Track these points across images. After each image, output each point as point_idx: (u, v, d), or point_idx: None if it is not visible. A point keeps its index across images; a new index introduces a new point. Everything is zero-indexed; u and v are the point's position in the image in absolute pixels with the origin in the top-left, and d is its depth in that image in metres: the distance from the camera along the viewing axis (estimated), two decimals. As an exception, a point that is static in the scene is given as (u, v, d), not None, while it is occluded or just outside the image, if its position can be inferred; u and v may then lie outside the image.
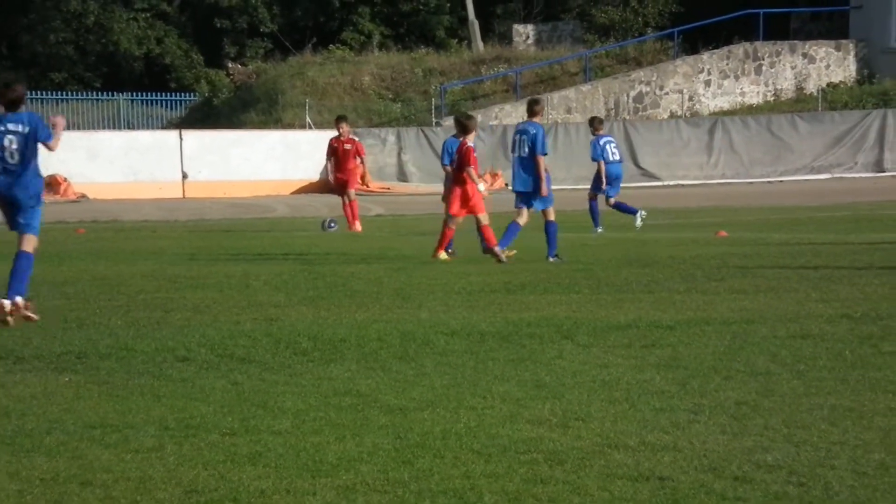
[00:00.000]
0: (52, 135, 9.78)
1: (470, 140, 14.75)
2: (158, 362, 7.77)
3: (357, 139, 22.51)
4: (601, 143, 20.11)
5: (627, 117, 41.34)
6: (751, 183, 38.18)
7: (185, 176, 36.08)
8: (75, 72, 52.24)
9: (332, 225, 21.38)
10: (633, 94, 41.97)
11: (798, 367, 7.28)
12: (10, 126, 9.63)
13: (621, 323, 9.07)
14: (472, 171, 14.58)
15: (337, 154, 21.59)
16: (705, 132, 39.60)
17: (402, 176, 38.76)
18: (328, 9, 51.90)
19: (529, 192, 14.54)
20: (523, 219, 14.58)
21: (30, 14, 52.04)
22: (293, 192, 36.31)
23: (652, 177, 38.88)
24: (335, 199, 21.62)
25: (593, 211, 20.08)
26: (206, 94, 46.05)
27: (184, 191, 35.86)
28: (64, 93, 46.50)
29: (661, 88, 42.15)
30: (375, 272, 13.42)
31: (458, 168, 14.76)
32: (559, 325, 8.98)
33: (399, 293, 11.29)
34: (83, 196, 34.73)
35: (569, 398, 6.52)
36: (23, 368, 7.64)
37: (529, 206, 14.61)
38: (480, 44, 46.11)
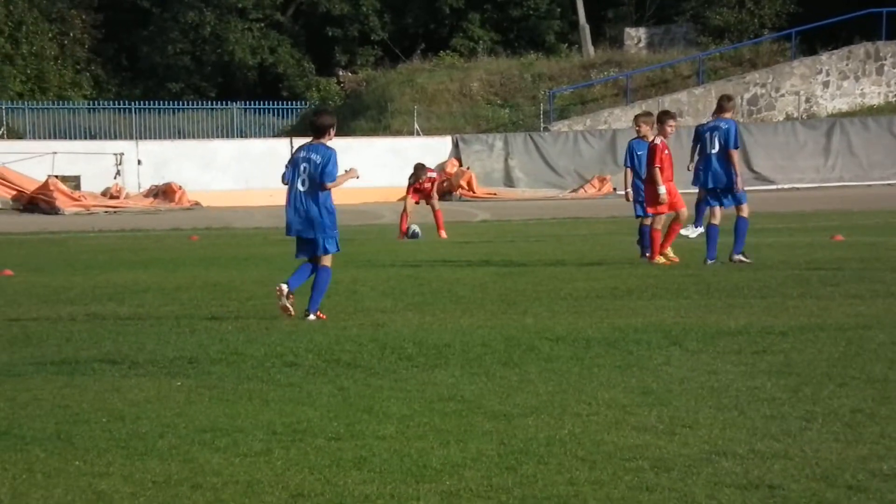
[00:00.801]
0: (335, 177, 10.18)
1: (658, 139, 14.39)
2: (267, 367, 7.87)
3: (434, 174, 23.36)
4: None
5: (741, 120, 40.66)
6: (870, 186, 37.21)
7: (296, 183, 36.56)
8: (191, 82, 53.39)
9: (418, 232, 21.81)
10: (747, 96, 41.28)
11: (917, 375, 7.06)
12: (308, 154, 10.17)
13: (731, 329, 8.90)
14: (655, 171, 14.31)
15: (418, 191, 22.39)
16: (822, 134, 38.71)
17: (509, 181, 38.70)
18: (438, 16, 52.14)
19: (721, 188, 14.33)
20: (717, 218, 14.40)
21: (149, 26, 53.39)
22: (401, 199, 36.50)
23: (766, 180, 38.16)
24: (427, 208, 22.36)
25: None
26: (317, 103, 46.66)
27: (295, 198, 36.32)
28: (180, 102, 47.56)
29: (777, 90, 41.37)
30: (480, 278, 13.42)
31: (648, 166, 14.54)
32: (667, 330, 8.85)
33: (504, 299, 11.26)
34: (197, 204, 35.47)
35: (676, 405, 6.42)
36: (137, 373, 7.81)
37: (721, 203, 14.38)
38: (591, 48, 45.82)
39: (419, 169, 22.68)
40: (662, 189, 14.32)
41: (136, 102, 45.60)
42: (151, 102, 45.61)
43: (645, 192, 14.84)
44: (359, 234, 24.41)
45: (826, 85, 41.59)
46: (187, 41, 52.91)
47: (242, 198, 35.74)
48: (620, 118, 40.28)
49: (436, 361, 7.89)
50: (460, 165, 37.94)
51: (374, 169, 37.57)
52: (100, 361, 8.18)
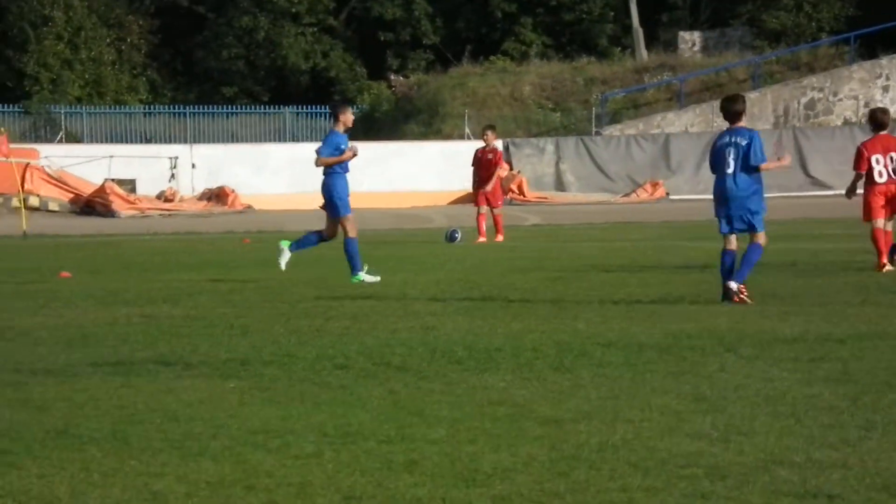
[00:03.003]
0: (764, 158, 10.80)
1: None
2: (318, 370, 7.88)
3: (499, 148, 22.53)
4: None
5: (798, 124, 40.25)
6: (927, 191, 36.63)
7: (347, 187, 36.64)
8: (245, 86, 53.77)
9: (457, 235, 21.23)
10: (804, 100, 40.87)
11: (979, 384, 6.92)
12: (732, 138, 10.88)
13: (787, 336, 8.80)
14: None
15: (480, 163, 21.68)
16: (880, 139, 38.21)
17: (560, 185, 38.59)
18: (490, 19, 52.11)
19: None
20: None
21: (204, 31, 53.88)
22: (451, 203, 36.55)
23: (823, 185, 37.74)
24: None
25: None
26: (369, 107, 46.82)
27: (346, 201, 36.44)
28: (234, 106, 47.92)
29: (835, 94, 40.92)
30: (531, 282, 13.37)
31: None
32: (721, 336, 8.76)
33: (555, 303, 11.21)
34: (249, 207, 35.70)
35: (731, 412, 6.34)
36: (191, 374, 7.85)
37: None
38: (644, 52, 45.58)
39: (488, 127, 21.55)
40: None
41: (191, 107, 46.04)
42: (206, 107, 46.01)
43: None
44: (409, 237, 24.43)
45: (886, 89, 41.07)
46: (241, 46, 53.30)
47: (294, 201, 35.88)
48: (674, 122, 40.01)
49: (486, 365, 7.86)
50: (511, 170, 37.88)
51: (424, 173, 37.69)
52: (154, 362, 8.24)
